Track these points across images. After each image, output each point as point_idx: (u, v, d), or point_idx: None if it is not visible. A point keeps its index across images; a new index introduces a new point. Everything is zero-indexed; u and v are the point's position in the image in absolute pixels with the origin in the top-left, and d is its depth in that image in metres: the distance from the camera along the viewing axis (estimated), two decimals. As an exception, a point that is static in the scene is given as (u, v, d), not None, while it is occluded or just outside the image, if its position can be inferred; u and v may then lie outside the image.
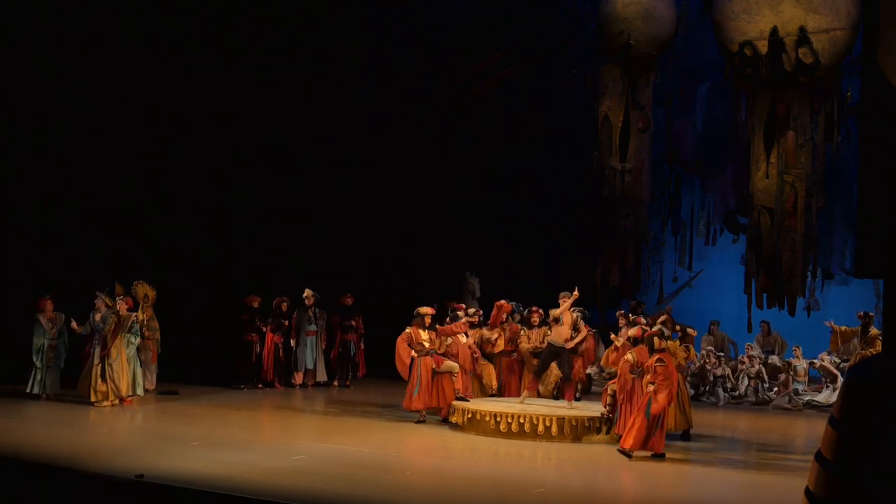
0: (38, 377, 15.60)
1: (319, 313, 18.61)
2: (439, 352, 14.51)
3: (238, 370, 17.92)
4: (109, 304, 15.43)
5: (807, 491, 4.98)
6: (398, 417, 14.84)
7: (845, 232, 21.10)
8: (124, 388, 15.19)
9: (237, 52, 20.22)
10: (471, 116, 21.50)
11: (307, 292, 18.36)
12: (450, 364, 14.37)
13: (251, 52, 20.35)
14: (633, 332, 13.07)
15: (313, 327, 18.48)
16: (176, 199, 20.01)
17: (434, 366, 14.32)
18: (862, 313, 17.40)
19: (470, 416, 13.60)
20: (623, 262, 19.42)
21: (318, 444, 12.70)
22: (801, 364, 18.13)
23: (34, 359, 15.61)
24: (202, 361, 18.44)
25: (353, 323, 18.80)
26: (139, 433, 13.97)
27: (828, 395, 17.33)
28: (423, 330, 14.52)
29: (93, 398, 15.10)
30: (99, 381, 15.07)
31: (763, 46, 16.60)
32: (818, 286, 19.95)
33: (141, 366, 15.71)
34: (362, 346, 18.95)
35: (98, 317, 15.38)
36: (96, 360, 15.14)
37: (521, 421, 13.16)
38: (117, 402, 15.17)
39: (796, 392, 17.85)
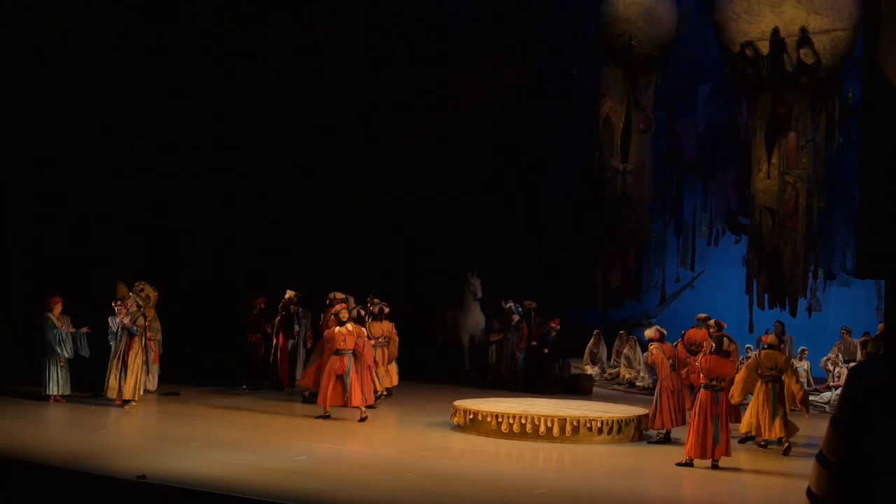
0: (52, 378, 15.57)
1: (304, 312, 18.42)
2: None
3: (243, 371, 17.87)
4: (141, 302, 15.46)
5: (808, 491, 4.98)
6: (399, 418, 14.83)
7: (847, 232, 21.08)
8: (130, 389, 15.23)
9: (238, 52, 20.22)
10: (472, 117, 21.49)
11: (290, 294, 18.04)
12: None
13: (251, 54, 20.34)
14: (649, 332, 13.27)
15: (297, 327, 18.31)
16: (177, 200, 20.00)
17: (339, 371, 14.12)
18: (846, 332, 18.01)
19: (471, 416, 13.58)
20: (625, 263, 19.42)
21: (319, 445, 12.70)
22: (803, 365, 18.09)
23: (45, 358, 15.58)
24: (203, 362, 18.42)
25: None
26: (141, 434, 13.97)
27: (829, 396, 17.31)
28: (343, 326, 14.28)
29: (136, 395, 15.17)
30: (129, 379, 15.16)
31: (764, 47, 16.60)
32: (820, 287, 19.94)
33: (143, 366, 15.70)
34: None
35: (127, 319, 15.35)
36: (140, 360, 15.22)
37: (523, 422, 13.14)
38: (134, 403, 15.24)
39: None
